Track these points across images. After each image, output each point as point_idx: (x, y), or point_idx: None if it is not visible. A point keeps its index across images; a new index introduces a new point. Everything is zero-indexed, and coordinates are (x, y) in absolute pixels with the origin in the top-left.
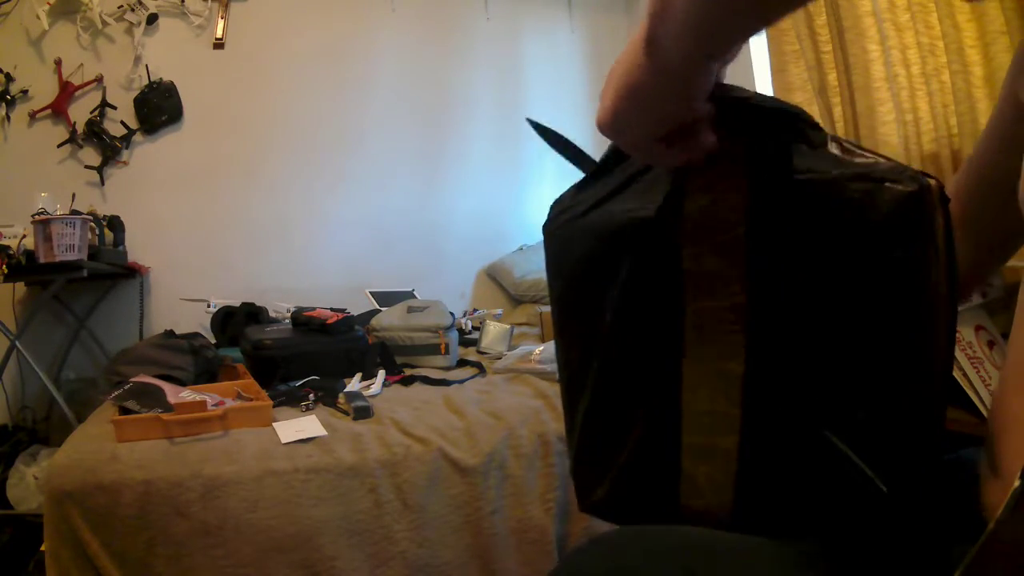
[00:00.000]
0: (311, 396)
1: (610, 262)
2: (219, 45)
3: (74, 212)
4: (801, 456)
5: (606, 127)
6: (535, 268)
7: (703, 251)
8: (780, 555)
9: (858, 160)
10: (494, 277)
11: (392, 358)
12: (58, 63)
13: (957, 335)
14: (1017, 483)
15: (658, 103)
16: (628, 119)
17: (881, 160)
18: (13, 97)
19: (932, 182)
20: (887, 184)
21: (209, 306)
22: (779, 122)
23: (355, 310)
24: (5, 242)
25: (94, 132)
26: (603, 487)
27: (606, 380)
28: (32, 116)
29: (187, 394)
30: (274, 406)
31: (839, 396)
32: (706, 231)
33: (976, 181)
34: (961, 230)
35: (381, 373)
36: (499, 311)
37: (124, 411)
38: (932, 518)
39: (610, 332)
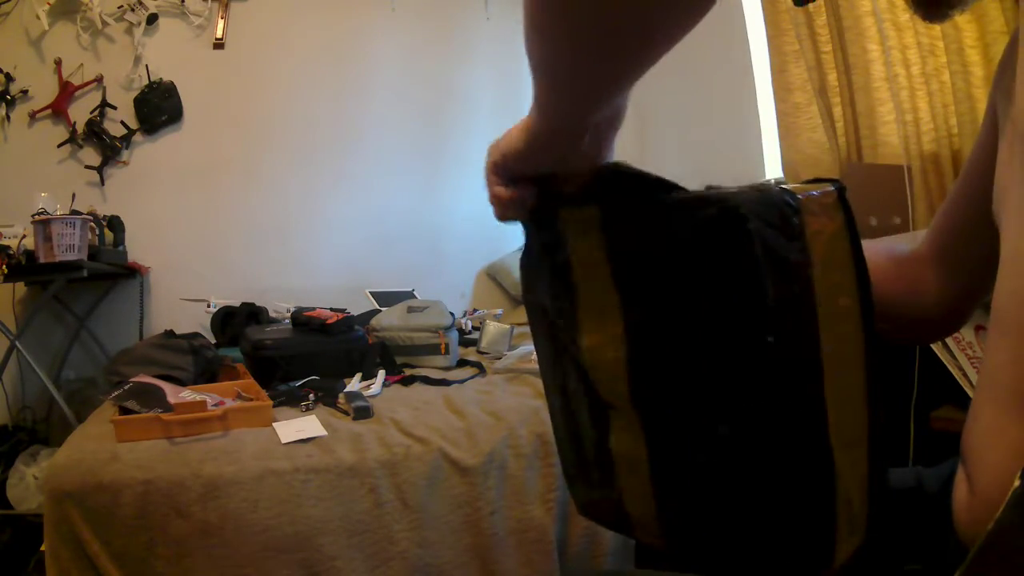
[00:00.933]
0: (311, 396)
1: (540, 300)
2: (219, 45)
3: (74, 212)
4: (698, 470)
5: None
6: None
7: (587, 289)
8: None
9: (704, 195)
10: (494, 277)
11: (392, 358)
12: (58, 63)
13: (958, 335)
14: (1017, 483)
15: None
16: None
17: (734, 191)
18: (13, 97)
19: (806, 196)
20: (698, 210)
21: (209, 306)
22: (638, 183)
23: (355, 310)
24: (5, 242)
25: (94, 132)
26: (585, 490)
27: (560, 392)
28: (32, 116)
29: (187, 394)
30: (274, 406)
31: (711, 409)
32: (589, 270)
33: (967, 200)
34: (959, 251)
35: (381, 373)
36: (499, 311)
37: (124, 411)
38: (879, 548)
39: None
